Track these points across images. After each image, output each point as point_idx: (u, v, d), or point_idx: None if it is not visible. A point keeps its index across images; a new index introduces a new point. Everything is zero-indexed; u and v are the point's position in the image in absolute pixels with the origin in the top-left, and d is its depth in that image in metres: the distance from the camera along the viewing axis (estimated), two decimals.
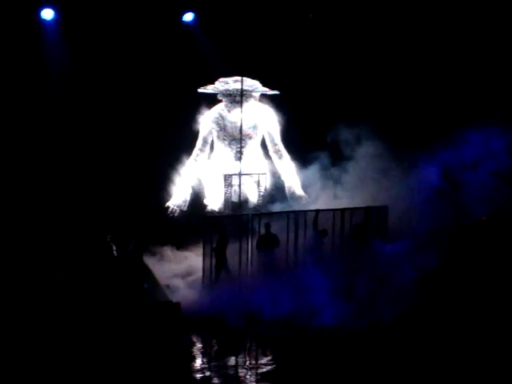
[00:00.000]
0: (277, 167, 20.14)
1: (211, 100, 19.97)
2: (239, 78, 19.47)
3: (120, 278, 15.12)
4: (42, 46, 18.04)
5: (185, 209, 19.60)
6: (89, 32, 18.19)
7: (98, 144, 18.59)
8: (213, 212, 19.36)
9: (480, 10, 18.77)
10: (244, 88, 19.38)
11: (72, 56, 18.22)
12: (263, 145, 20.31)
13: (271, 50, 19.20)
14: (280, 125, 20.22)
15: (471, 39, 19.02)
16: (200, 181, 19.91)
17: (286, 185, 20.14)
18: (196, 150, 19.82)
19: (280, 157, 20.14)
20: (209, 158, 20.06)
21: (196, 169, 19.75)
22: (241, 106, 19.13)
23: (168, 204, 19.58)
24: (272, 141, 20.14)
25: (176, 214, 19.57)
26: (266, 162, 20.20)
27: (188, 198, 19.69)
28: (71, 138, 18.49)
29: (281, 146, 20.14)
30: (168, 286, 15.68)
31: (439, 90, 19.38)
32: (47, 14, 17.81)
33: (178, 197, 19.63)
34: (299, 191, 19.99)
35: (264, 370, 13.23)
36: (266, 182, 19.38)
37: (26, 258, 16.05)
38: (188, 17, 18.79)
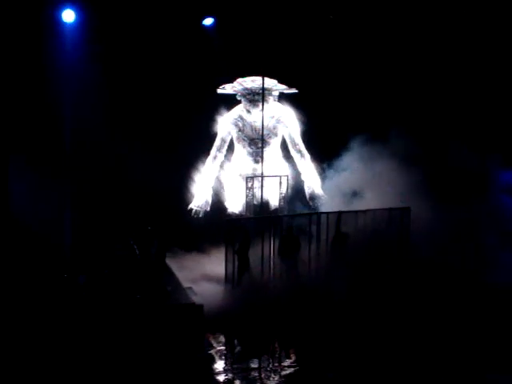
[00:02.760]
0: (298, 167, 20.07)
1: (230, 101, 19.95)
2: (257, 77, 19.40)
3: (143, 280, 15.15)
4: (63, 47, 18.07)
5: (208, 209, 19.60)
6: (110, 35, 18.25)
7: (121, 146, 18.63)
8: (234, 214, 19.32)
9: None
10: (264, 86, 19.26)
11: (93, 58, 18.26)
12: (283, 146, 20.24)
13: (289, 50, 19.20)
14: (300, 125, 20.15)
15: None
16: (220, 183, 19.89)
17: (306, 184, 20.06)
18: (213, 151, 19.81)
19: (302, 156, 20.07)
20: (229, 160, 20.03)
21: (214, 170, 19.73)
22: (262, 105, 19.04)
23: (190, 206, 19.59)
24: (293, 141, 20.09)
25: (200, 215, 19.57)
26: (285, 163, 20.13)
27: (209, 199, 19.69)
28: (94, 139, 18.55)
29: (302, 146, 20.07)
30: (191, 289, 15.66)
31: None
32: (68, 16, 17.81)
33: (199, 198, 19.64)
34: (318, 190, 19.90)
35: (287, 372, 13.21)
36: (288, 184, 19.27)
37: (51, 260, 16.17)
38: (208, 21, 18.81)
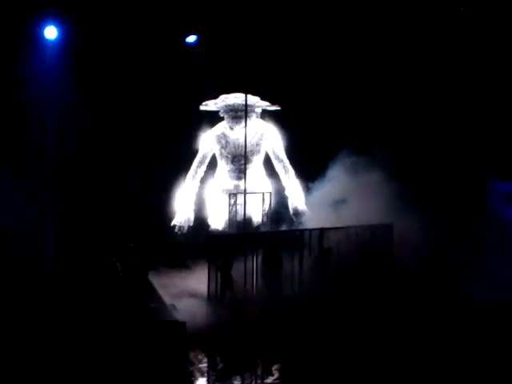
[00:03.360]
0: (282, 182, 20.09)
1: (213, 118, 19.98)
2: (239, 94, 19.48)
3: (125, 297, 15.09)
4: (46, 62, 18.05)
5: (191, 225, 19.57)
6: (93, 51, 18.30)
7: (103, 162, 18.64)
8: (216, 231, 19.31)
9: None
10: (246, 103, 19.31)
11: (75, 74, 18.28)
12: (265, 162, 20.27)
13: (272, 67, 19.30)
14: (283, 141, 20.22)
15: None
16: (203, 199, 19.89)
17: (290, 200, 20.09)
18: (194, 167, 19.81)
19: (286, 172, 20.07)
20: (212, 176, 20.04)
21: (194, 186, 19.73)
22: (245, 121, 19.09)
23: (173, 222, 19.57)
24: (277, 157, 20.11)
25: (185, 231, 19.54)
26: (268, 180, 20.16)
27: (192, 215, 19.67)
28: (76, 155, 18.55)
29: (286, 162, 20.09)
30: (173, 306, 15.62)
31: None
32: (50, 32, 17.79)
33: (181, 214, 19.61)
34: (302, 206, 19.93)
35: None
36: (270, 201, 19.30)
37: (32, 276, 16.09)
38: (191, 39, 18.89)
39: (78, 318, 14.14)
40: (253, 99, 19.60)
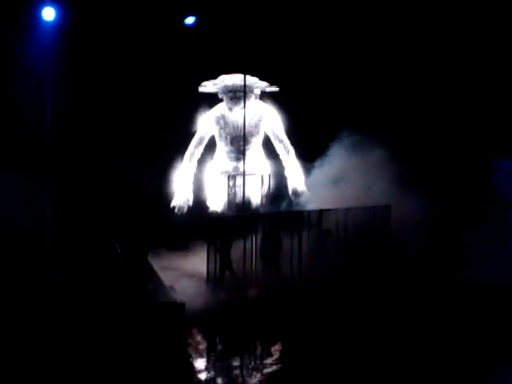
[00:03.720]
0: (283, 163, 20.02)
1: (212, 100, 19.92)
2: (238, 75, 19.39)
3: (125, 278, 15.12)
4: (43, 45, 17.98)
5: (190, 205, 19.56)
6: (91, 33, 18.21)
7: (102, 145, 18.63)
8: (215, 213, 19.31)
9: None
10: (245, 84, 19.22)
11: (73, 57, 18.23)
12: (265, 144, 20.24)
13: (271, 48, 19.21)
14: (282, 122, 20.17)
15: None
16: (201, 181, 19.86)
17: (289, 181, 20.06)
18: (191, 148, 19.79)
19: (287, 152, 20.04)
20: (211, 158, 20.01)
21: (192, 166, 19.68)
22: (244, 102, 19.03)
23: (173, 204, 19.53)
24: (277, 137, 20.07)
25: (184, 211, 19.51)
26: (267, 161, 20.13)
27: (191, 195, 19.62)
28: (75, 138, 18.55)
29: (287, 142, 20.06)
30: (172, 287, 15.65)
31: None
32: (48, 13, 17.65)
33: (180, 195, 19.57)
34: (302, 187, 19.90)
35: (269, 370, 13.18)
36: (270, 182, 19.28)
37: (30, 260, 16.08)
38: (189, 20, 18.78)
39: (77, 300, 14.17)
40: (252, 80, 19.54)
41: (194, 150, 19.77)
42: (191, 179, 19.74)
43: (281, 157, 20.08)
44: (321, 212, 17.14)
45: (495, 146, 19.76)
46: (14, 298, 14.13)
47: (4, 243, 16.87)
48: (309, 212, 17.17)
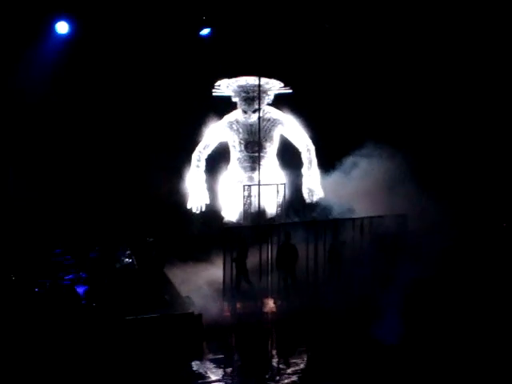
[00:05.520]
0: (303, 160, 19.92)
1: (226, 105, 19.78)
2: (252, 77, 19.29)
3: (141, 289, 15.14)
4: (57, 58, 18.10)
5: (208, 203, 19.47)
6: (103, 44, 18.32)
7: (119, 155, 18.80)
8: (231, 223, 19.30)
9: None
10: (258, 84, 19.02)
11: (86, 66, 18.36)
12: (280, 154, 20.15)
13: (285, 53, 19.17)
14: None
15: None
16: (216, 191, 19.81)
17: (305, 178, 19.90)
18: (200, 147, 19.57)
19: (308, 150, 19.90)
20: (225, 168, 19.98)
21: (201, 165, 19.54)
22: (258, 105, 18.93)
23: (189, 205, 19.45)
24: (296, 137, 19.91)
25: (203, 210, 19.42)
26: (282, 171, 20.08)
27: (206, 193, 19.51)
28: (92, 149, 18.72)
29: (307, 140, 19.94)
30: (189, 298, 15.66)
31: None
32: (62, 27, 17.83)
33: (194, 195, 19.45)
34: (318, 187, 19.79)
35: (285, 381, 13.17)
36: (285, 192, 19.22)
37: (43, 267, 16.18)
38: (205, 31, 18.81)
39: (92, 310, 14.21)
40: (265, 79, 19.38)
41: (201, 149, 19.57)
42: (203, 179, 19.62)
43: (302, 155, 19.91)
44: (336, 222, 17.10)
45: None
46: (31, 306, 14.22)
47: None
48: (325, 222, 17.12)
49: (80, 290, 15.07)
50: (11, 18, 17.26)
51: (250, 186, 18.88)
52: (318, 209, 18.91)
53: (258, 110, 18.92)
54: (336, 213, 18.02)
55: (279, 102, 19.95)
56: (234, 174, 19.83)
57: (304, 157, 19.96)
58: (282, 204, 19.13)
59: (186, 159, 19.57)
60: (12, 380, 12.55)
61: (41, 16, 17.55)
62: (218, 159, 19.86)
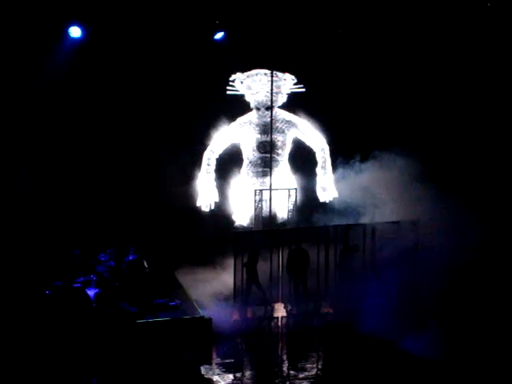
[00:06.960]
0: (317, 158, 19.78)
1: (240, 106, 19.68)
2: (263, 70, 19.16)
3: (152, 293, 15.15)
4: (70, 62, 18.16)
5: (217, 200, 19.43)
6: (116, 45, 18.35)
7: (132, 160, 18.85)
8: (241, 227, 19.25)
9: None
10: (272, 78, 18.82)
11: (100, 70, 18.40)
12: (291, 158, 20.07)
13: (299, 54, 19.13)
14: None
15: None
16: (226, 195, 19.74)
17: (319, 177, 19.70)
18: (212, 145, 19.35)
19: (322, 149, 19.79)
20: (238, 173, 19.92)
21: (212, 163, 19.43)
22: (271, 102, 18.80)
23: (198, 203, 19.40)
24: (309, 137, 19.83)
25: (213, 207, 19.35)
26: (293, 176, 20.00)
27: (215, 191, 19.43)
28: (105, 153, 18.77)
29: (321, 140, 19.83)
30: (199, 302, 15.65)
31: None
32: (75, 31, 17.88)
33: (204, 193, 19.36)
34: (331, 184, 19.62)
35: None
36: (296, 197, 19.16)
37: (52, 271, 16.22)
38: (218, 35, 18.80)
39: (103, 314, 14.23)
40: (281, 76, 19.29)
41: (213, 148, 19.41)
42: (213, 177, 19.48)
43: (316, 152, 19.80)
44: (348, 227, 17.04)
45: None
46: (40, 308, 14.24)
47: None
48: (336, 227, 17.05)
49: (91, 292, 15.10)
50: (26, 23, 17.33)
51: (261, 190, 18.82)
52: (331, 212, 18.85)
53: (271, 107, 18.82)
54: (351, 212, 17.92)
55: (292, 104, 19.86)
56: (246, 177, 19.77)
57: (318, 156, 19.82)
58: (293, 208, 19.06)
59: (198, 163, 19.54)
60: (22, 381, 12.59)
61: (54, 20, 17.58)
62: (229, 163, 19.79)
